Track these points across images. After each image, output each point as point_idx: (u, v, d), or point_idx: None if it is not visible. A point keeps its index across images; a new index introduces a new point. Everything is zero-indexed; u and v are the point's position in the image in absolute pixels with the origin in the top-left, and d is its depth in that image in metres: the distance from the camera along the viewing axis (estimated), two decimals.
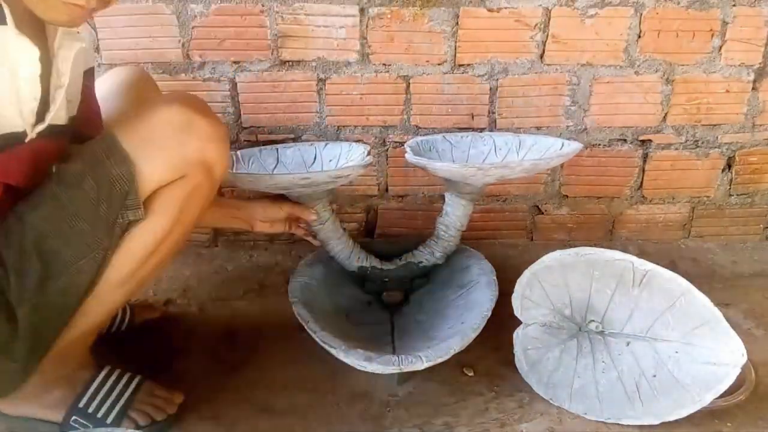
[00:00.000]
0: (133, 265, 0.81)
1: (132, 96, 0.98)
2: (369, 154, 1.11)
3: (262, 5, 1.21)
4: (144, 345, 1.05)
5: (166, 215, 0.81)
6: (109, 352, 0.93)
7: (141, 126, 0.78)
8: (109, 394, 0.86)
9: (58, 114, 0.77)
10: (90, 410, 0.84)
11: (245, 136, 1.31)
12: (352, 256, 1.13)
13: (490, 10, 1.23)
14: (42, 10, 0.69)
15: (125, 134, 0.77)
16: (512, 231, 1.44)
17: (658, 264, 0.97)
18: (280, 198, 1.10)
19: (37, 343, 0.78)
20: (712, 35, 1.28)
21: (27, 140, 0.73)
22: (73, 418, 0.84)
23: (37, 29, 0.73)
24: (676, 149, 1.37)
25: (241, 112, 1.29)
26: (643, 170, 1.39)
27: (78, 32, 0.81)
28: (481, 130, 1.32)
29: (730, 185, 1.42)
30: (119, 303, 0.89)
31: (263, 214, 1.10)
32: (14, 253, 0.73)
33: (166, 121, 0.78)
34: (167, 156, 0.78)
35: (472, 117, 1.31)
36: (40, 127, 0.74)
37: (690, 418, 0.85)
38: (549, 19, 1.24)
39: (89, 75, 0.90)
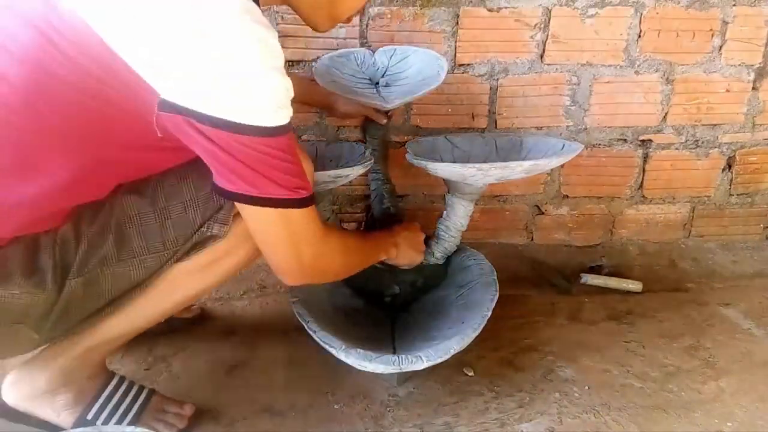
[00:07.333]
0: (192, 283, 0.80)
1: None
2: (369, 154, 1.11)
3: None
4: (144, 345, 1.05)
5: (246, 244, 0.78)
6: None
7: None
8: (118, 407, 0.86)
9: None
10: (98, 423, 0.84)
11: None
12: None
13: (490, 10, 1.23)
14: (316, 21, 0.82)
15: None
16: (512, 231, 1.44)
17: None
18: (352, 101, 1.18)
19: (62, 321, 0.76)
20: (712, 35, 1.28)
21: None
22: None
23: None
24: (677, 149, 1.37)
25: None
26: (644, 170, 1.39)
27: None
28: (482, 130, 1.32)
29: (730, 185, 1.42)
30: (146, 321, 0.83)
31: (343, 104, 1.19)
32: (96, 228, 0.73)
33: None
34: None
35: (473, 117, 1.31)
36: None
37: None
38: (549, 19, 1.24)
39: None
